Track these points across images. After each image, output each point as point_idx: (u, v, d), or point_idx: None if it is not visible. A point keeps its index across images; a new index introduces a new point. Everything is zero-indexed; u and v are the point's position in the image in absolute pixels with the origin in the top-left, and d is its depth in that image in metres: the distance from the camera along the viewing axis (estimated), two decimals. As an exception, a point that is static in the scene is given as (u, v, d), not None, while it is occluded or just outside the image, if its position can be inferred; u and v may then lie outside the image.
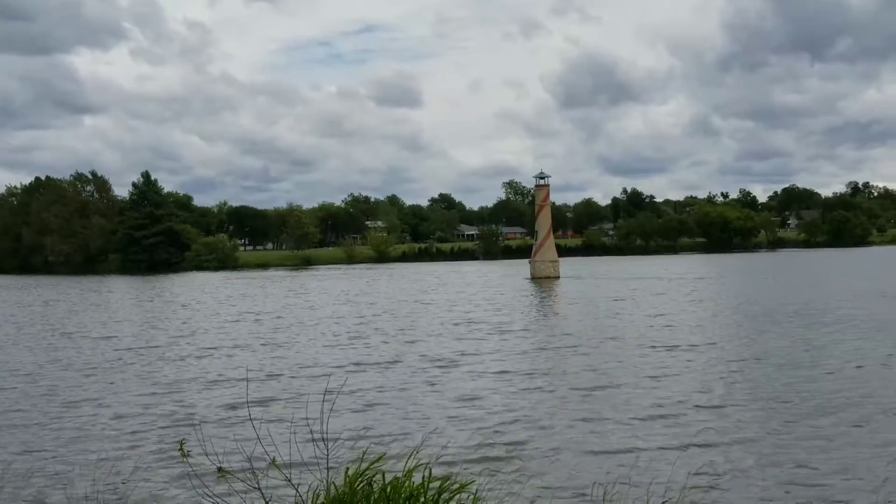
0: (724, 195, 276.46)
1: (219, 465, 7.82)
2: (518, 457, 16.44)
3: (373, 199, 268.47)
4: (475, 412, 21.19)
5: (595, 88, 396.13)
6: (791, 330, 37.10)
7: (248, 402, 21.71)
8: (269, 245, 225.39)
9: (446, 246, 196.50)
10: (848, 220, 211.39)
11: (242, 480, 8.06)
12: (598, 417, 20.23)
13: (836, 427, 18.58)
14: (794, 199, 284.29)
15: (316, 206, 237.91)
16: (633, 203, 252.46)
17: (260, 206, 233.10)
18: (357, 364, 29.97)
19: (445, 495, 8.58)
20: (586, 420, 19.96)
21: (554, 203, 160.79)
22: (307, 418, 10.56)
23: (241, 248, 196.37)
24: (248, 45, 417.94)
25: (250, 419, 15.27)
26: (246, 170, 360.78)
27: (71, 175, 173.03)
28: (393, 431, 18.47)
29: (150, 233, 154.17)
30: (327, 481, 8.04)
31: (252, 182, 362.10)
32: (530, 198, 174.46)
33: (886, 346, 31.20)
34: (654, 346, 32.70)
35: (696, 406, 21.13)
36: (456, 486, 8.77)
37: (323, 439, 8.34)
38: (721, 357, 29.72)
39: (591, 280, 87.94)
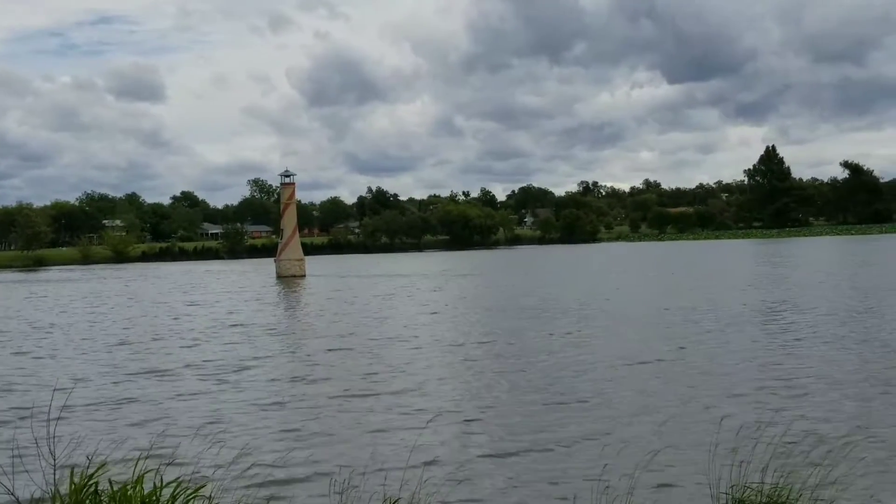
0: (466, 194, 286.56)
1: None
2: (258, 461, 16.22)
3: (111, 197, 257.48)
4: (219, 420, 20.66)
5: (343, 86, 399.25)
6: (548, 326, 37.51)
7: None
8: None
9: (189, 245, 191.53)
10: (579, 218, 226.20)
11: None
12: (352, 423, 19.91)
13: (579, 429, 18.46)
14: (530, 198, 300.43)
15: (48, 204, 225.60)
16: (379, 201, 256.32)
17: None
18: (105, 374, 28.08)
19: (181, 499, 8.63)
20: (343, 425, 19.63)
21: (300, 201, 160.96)
22: (35, 437, 10.25)
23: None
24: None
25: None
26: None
27: None
28: (137, 444, 17.75)
29: None
30: (53, 491, 7.92)
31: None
32: (276, 196, 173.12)
33: (638, 343, 31.49)
34: (413, 346, 32.52)
35: (447, 411, 20.62)
36: (190, 489, 8.83)
37: (50, 449, 8.20)
38: (477, 356, 29.76)
39: (337, 279, 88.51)
